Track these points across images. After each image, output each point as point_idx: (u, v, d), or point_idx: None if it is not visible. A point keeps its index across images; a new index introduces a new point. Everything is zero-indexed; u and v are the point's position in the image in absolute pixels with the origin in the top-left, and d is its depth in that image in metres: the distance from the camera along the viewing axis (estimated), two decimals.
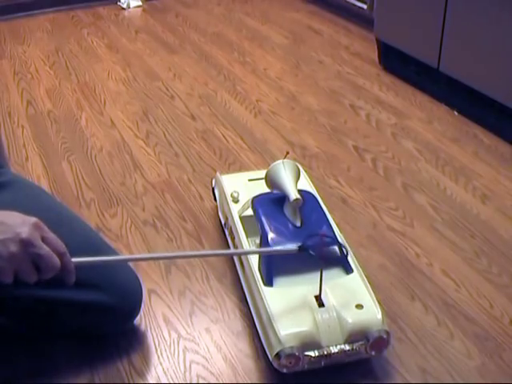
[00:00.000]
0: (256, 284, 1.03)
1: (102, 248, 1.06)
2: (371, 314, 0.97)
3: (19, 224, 0.80)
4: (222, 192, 1.29)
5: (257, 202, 1.14)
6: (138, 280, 1.07)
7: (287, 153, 1.29)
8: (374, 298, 1.00)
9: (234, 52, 2.35)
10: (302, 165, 1.60)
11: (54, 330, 1.08)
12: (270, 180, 1.13)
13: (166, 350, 1.08)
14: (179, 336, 1.10)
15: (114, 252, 1.09)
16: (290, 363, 0.94)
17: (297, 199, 1.05)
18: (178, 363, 1.05)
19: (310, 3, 2.90)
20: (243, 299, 1.18)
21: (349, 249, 1.07)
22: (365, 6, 2.45)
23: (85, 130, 1.80)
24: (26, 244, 0.79)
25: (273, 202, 1.12)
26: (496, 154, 1.66)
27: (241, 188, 1.27)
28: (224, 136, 1.75)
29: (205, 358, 1.06)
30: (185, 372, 1.03)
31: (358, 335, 0.95)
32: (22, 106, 1.95)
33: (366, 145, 1.70)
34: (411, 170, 1.59)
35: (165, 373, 1.03)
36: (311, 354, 0.94)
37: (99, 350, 1.07)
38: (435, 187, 1.52)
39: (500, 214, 1.42)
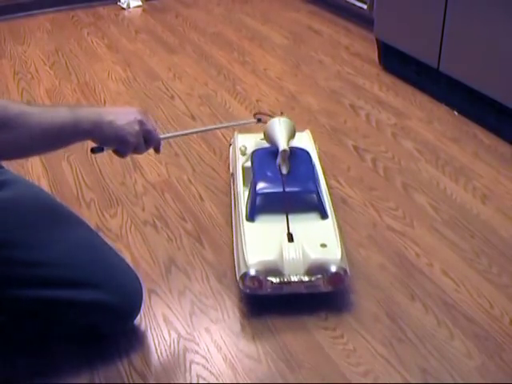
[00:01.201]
0: (241, 218, 1.20)
1: (102, 247, 1.07)
2: (332, 253, 1.12)
3: (132, 111, 1.03)
4: (235, 145, 1.46)
5: (255, 153, 1.33)
6: (139, 280, 1.08)
7: (282, 113, 1.42)
8: (339, 241, 1.14)
9: (233, 52, 2.35)
10: None
11: (54, 331, 1.08)
12: (266, 133, 1.32)
13: (165, 350, 1.08)
14: (179, 336, 1.10)
15: (113, 251, 1.09)
16: (254, 285, 1.10)
17: (284, 150, 1.23)
18: (178, 363, 1.05)
19: (309, 3, 2.90)
20: (243, 299, 1.18)
21: (327, 199, 1.24)
22: (365, 6, 2.45)
23: None
24: (141, 123, 1.02)
25: (268, 154, 1.30)
26: (496, 154, 1.66)
27: (250, 144, 1.42)
28: (224, 136, 1.75)
29: (205, 358, 1.06)
30: (185, 372, 1.03)
31: (317, 269, 1.10)
32: None
33: (366, 145, 1.70)
34: (411, 170, 1.59)
35: (165, 373, 1.03)
36: (273, 279, 1.10)
37: (99, 349, 1.07)
38: (435, 187, 1.52)
39: (500, 214, 1.42)
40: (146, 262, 1.28)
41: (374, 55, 2.21)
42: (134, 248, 1.32)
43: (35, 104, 0.92)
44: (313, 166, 1.28)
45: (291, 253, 1.11)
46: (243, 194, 1.27)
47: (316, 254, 1.11)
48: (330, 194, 1.31)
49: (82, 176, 1.58)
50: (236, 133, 1.51)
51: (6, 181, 1.06)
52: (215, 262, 1.28)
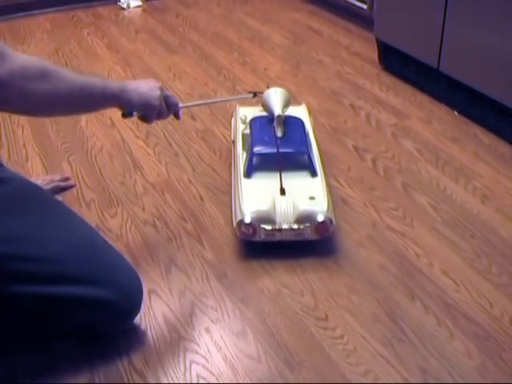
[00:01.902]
0: (239, 176, 1.33)
1: (102, 245, 1.08)
2: (320, 204, 1.25)
3: (151, 80, 1.19)
4: (236, 115, 1.58)
5: (253, 120, 1.47)
6: (139, 279, 1.08)
7: (267, 86, 1.58)
8: (326, 195, 1.27)
9: (233, 52, 2.35)
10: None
11: (55, 329, 1.08)
12: (263, 102, 1.45)
13: (166, 350, 1.08)
14: (179, 336, 1.10)
15: (114, 249, 1.09)
16: (249, 232, 1.23)
17: (279, 115, 1.37)
18: (178, 363, 1.05)
19: (309, 3, 2.90)
20: (243, 299, 1.18)
21: (317, 161, 1.36)
22: (365, 6, 2.45)
23: (85, 130, 1.80)
24: (161, 89, 1.17)
25: (265, 121, 1.43)
26: (496, 154, 1.66)
27: (250, 114, 1.53)
28: (224, 136, 1.75)
29: (205, 358, 1.06)
30: (185, 372, 1.03)
31: (306, 218, 1.23)
32: None
33: (366, 145, 1.70)
34: (411, 170, 1.59)
35: (165, 373, 1.03)
36: (266, 227, 1.23)
37: (99, 349, 1.08)
38: (435, 187, 1.52)
39: (500, 214, 1.42)
40: (146, 261, 1.28)
41: (374, 55, 2.21)
42: (134, 248, 1.32)
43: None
44: (305, 132, 1.42)
45: (283, 204, 1.24)
46: (242, 156, 1.40)
47: (305, 206, 1.24)
48: (321, 158, 1.42)
49: (82, 176, 1.58)
50: (238, 105, 1.62)
51: (6, 178, 1.06)
52: (215, 261, 1.28)
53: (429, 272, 1.24)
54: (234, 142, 1.52)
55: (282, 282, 1.22)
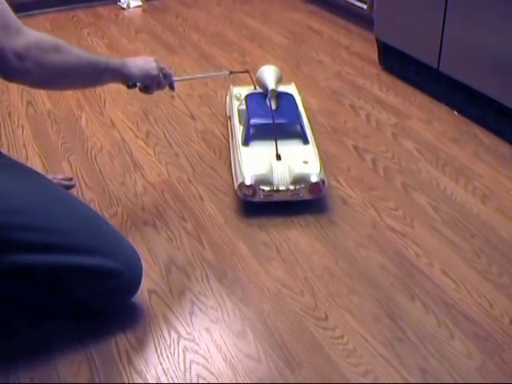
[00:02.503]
0: (237, 144, 1.46)
1: (104, 222, 1.14)
2: (313, 167, 1.38)
3: (145, 55, 1.33)
4: (231, 94, 1.71)
5: (248, 95, 1.61)
6: (138, 255, 1.12)
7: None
8: (318, 160, 1.41)
9: (233, 52, 2.35)
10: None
11: (64, 304, 1.09)
12: (257, 78, 1.60)
13: (166, 349, 1.08)
14: (179, 336, 1.10)
15: (112, 228, 1.14)
16: (249, 193, 1.36)
17: (273, 89, 1.54)
18: (178, 363, 1.05)
19: (309, 3, 2.90)
20: (243, 299, 1.18)
21: (308, 130, 1.50)
22: (365, 6, 2.45)
23: (85, 130, 1.80)
24: (156, 61, 1.31)
25: (260, 96, 1.58)
26: (496, 154, 1.66)
27: (244, 92, 1.67)
28: (224, 136, 1.75)
29: (205, 358, 1.06)
30: (185, 372, 1.03)
31: (300, 180, 1.36)
32: (22, 106, 1.95)
33: (366, 145, 1.70)
34: (411, 170, 1.59)
35: (165, 373, 1.03)
36: (265, 188, 1.36)
37: (99, 349, 1.08)
38: (435, 187, 1.52)
39: (500, 214, 1.42)
40: (146, 261, 1.28)
41: (374, 55, 2.21)
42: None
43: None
44: (296, 105, 1.56)
45: (279, 168, 1.37)
46: (239, 128, 1.53)
47: (299, 169, 1.38)
48: (312, 128, 1.57)
49: (82, 176, 1.58)
50: (231, 85, 1.76)
51: (5, 163, 1.12)
52: (215, 261, 1.28)
53: (429, 272, 1.24)
54: (229, 117, 1.66)
55: (281, 281, 1.22)
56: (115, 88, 2.05)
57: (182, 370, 1.04)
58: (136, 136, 1.77)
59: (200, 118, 1.87)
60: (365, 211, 1.43)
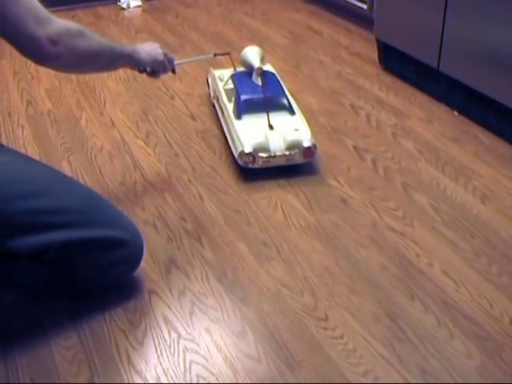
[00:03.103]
0: (230, 118, 1.60)
1: (103, 198, 1.23)
2: (304, 133, 1.53)
3: (150, 42, 1.45)
4: (213, 77, 1.86)
5: (234, 75, 1.75)
6: (137, 228, 1.21)
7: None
8: (307, 126, 1.57)
9: (234, 52, 2.34)
10: (302, 164, 1.60)
11: (80, 275, 1.14)
12: (242, 58, 1.74)
13: (166, 350, 1.08)
14: (179, 336, 1.10)
15: (112, 204, 1.24)
16: (249, 160, 1.50)
17: (259, 67, 1.68)
18: (178, 363, 1.05)
19: (309, 3, 2.90)
20: (243, 299, 1.18)
21: (293, 104, 1.64)
22: (365, 6, 2.45)
23: (85, 130, 1.80)
24: (161, 47, 1.43)
25: (245, 74, 1.73)
26: (496, 154, 1.66)
27: (226, 74, 1.81)
28: (224, 136, 1.75)
29: (205, 358, 1.06)
30: (185, 372, 1.03)
31: (294, 145, 1.51)
32: (22, 106, 1.95)
33: (366, 145, 1.70)
34: (411, 169, 1.59)
35: (165, 373, 1.03)
36: (263, 155, 1.50)
37: (99, 349, 1.08)
38: (435, 187, 1.52)
39: (500, 214, 1.42)
40: (146, 261, 1.28)
41: (374, 55, 2.21)
42: None
43: None
44: (279, 81, 1.72)
45: (274, 136, 1.52)
46: (228, 105, 1.66)
47: (292, 136, 1.52)
48: (297, 101, 1.71)
49: (82, 176, 1.58)
50: (211, 68, 1.90)
51: (4, 149, 1.18)
52: (215, 262, 1.28)
53: (429, 272, 1.24)
54: (215, 96, 1.81)
55: (281, 281, 1.22)
56: (115, 88, 2.06)
57: (182, 370, 1.04)
58: (136, 136, 1.77)
59: (200, 118, 1.87)
60: (365, 211, 1.43)
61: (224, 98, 1.71)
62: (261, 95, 1.60)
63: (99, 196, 1.23)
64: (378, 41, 2.17)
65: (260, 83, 1.66)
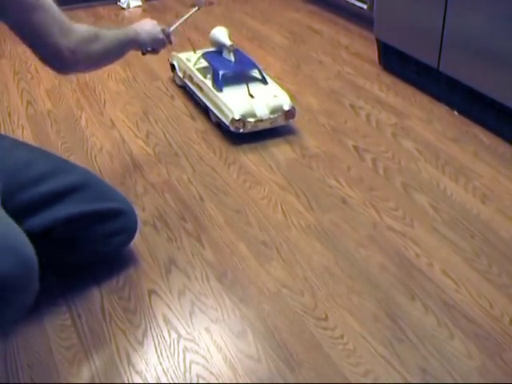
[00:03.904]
0: (212, 92, 1.77)
1: (99, 178, 1.31)
2: (283, 99, 1.74)
3: (148, 20, 1.47)
4: (179, 59, 2.01)
5: (205, 54, 1.91)
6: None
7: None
8: (285, 92, 1.77)
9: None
10: (301, 165, 1.60)
11: (82, 246, 1.21)
12: (213, 39, 1.91)
13: (165, 350, 1.08)
14: (179, 336, 1.10)
15: (107, 183, 1.31)
16: (239, 125, 1.67)
17: (232, 44, 1.84)
18: (178, 363, 1.05)
19: (309, 3, 2.90)
20: (243, 299, 1.18)
21: (264, 72, 1.83)
22: (365, 6, 2.45)
23: (85, 130, 1.80)
24: (158, 24, 1.46)
25: (215, 53, 1.90)
26: (496, 154, 1.66)
27: (192, 56, 1.98)
28: (224, 136, 1.75)
29: (205, 358, 1.06)
30: (185, 372, 1.03)
31: (276, 110, 1.71)
32: (22, 106, 1.95)
33: (366, 145, 1.70)
34: (411, 169, 1.59)
35: (165, 373, 1.03)
36: (251, 120, 1.68)
37: (99, 349, 1.08)
38: (435, 187, 1.52)
39: (500, 214, 1.42)
40: (146, 261, 1.28)
41: (374, 55, 2.21)
42: (133, 248, 1.32)
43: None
44: (248, 56, 1.89)
45: (257, 102, 1.71)
46: (207, 81, 1.81)
47: (273, 102, 1.72)
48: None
49: None
50: (174, 52, 2.05)
51: (9, 136, 1.27)
52: (215, 262, 1.28)
53: (429, 272, 1.24)
54: (187, 76, 1.93)
55: (281, 281, 1.22)
56: (115, 88, 2.06)
57: (182, 370, 1.04)
58: (136, 136, 1.77)
59: (200, 118, 1.87)
60: (365, 211, 1.43)
61: (199, 75, 1.85)
62: (236, 69, 1.81)
63: (96, 175, 1.32)
64: (377, 41, 2.17)
65: (232, 59, 1.83)
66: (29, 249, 0.90)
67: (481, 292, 1.19)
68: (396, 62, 2.10)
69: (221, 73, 1.76)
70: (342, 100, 1.96)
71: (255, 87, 1.77)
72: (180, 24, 1.80)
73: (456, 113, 1.87)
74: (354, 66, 2.22)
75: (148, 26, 1.44)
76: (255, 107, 1.69)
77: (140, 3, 2.93)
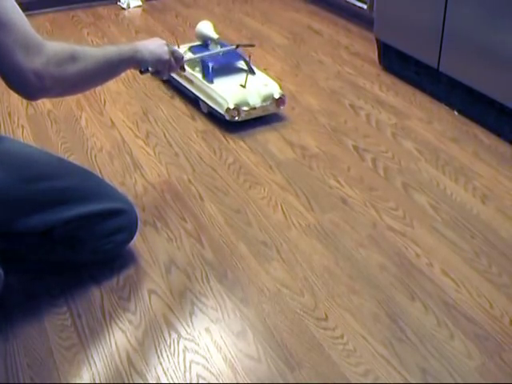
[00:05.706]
0: (204, 84, 1.83)
1: (99, 178, 1.31)
2: (273, 87, 1.82)
3: (156, 38, 1.34)
4: None
5: (192, 47, 1.97)
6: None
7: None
8: (274, 81, 1.84)
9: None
10: (302, 165, 1.60)
11: (83, 245, 1.21)
12: (199, 33, 1.96)
13: (166, 350, 1.08)
14: (179, 336, 1.10)
15: (108, 182, 1.32)
16: (234, 114, 1.74)
17: (218, 38, 1.91)
18: (178, 363, 1.05)
19: (309, 3, 2.90)
20: (243, 299, 1.18)
21: (251, 63, 1.88)
22: (365, 6, 2.45)
23: (85, 130, 1.80)
24: (167, 45, 1.34)
25: (202, 47, 1.96)
26: (496, 154, 1.66)
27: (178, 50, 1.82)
28: (224, 136, 1.75)
29: (205, 358, 1.06)
30: (185, 372, 1.03)
31: (268, 98, 1.79)
32: (22, 106, 1.95)
33: (366, 145, 1.70)
34: (411, 169, 1.59)
35: (165, 373, 1.03)
36: (245, 108, 1.75)
37: (99, 349, 1.08)
38: (435, 187, 1.52)
39: (500, 213, 1.42)
40: (146, 262, 1.28)
41: (374, 55, 2.21)
42: (133, 248, 1.32)
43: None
44: (233, 48, 1.91)
45: (250, 91, 1.78)
46: (197, 74, 1.87)
47: (264, 90, 1.80)
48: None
49: None
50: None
51: (2, 137, 1.24)
52: (215, 261, 1.28)
53: (429, 272, 1.24)
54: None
55: (281, 281, 1.22)
56: (115, 88, 2.05)
57: (182, 370, 1.04)
58: (136, 136, 1.77)
59: (200, 117, 1.87)
60: (365, 211, 1.43)
61: (187, 69, 1.85)
62: (224, 61, 1.88)
63: (96, 175, 1.32)
64: (377, 41, 2.16)
65: (220, 53, 1.90)
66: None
67: (481, 292, 1.19)
68: (396, 62, 2.10)
69: (210, 65, 1.82)
70: (342, 100, 1.96)
71: (243, 78, 1.82)
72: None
73: (456, 113, 1.87)
74: (354, 66, 2.22)
75: (152, 45, 1.29)
76: (248, 96, 1.76)
77: (140, 3, 2.93)
